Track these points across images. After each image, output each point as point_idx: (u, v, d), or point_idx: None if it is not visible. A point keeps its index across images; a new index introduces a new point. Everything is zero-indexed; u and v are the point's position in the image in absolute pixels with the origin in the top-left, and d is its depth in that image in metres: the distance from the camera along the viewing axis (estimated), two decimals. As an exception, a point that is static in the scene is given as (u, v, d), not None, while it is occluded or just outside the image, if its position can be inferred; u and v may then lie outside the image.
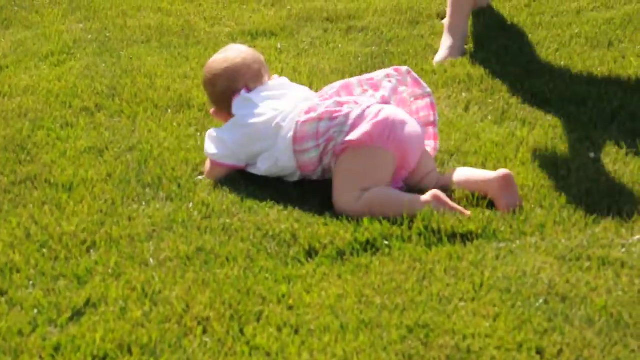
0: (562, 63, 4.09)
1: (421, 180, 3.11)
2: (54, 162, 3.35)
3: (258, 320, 2.48)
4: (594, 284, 2.56)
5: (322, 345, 2.37)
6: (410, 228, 2.86)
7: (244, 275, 2.68)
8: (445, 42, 4.24)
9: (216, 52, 4.38)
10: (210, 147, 3.22)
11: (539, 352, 2.32)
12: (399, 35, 4.54)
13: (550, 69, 4.05)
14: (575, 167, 3.20)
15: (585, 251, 2.72)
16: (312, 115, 3.07)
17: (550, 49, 4.25)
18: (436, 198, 2.92)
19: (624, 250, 2.72)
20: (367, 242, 2.82)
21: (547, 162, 3.25)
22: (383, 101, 3.11)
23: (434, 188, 3.01)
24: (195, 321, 2.48)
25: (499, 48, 4.30)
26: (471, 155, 3.32)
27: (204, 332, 2.44)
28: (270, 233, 2.88)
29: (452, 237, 2.83)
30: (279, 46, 4.47)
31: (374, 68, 4.15)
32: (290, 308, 2.53)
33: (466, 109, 3.73)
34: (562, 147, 3.35)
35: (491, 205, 2.99)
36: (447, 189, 3.06)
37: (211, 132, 3.25)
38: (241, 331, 2.44)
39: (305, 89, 3.35)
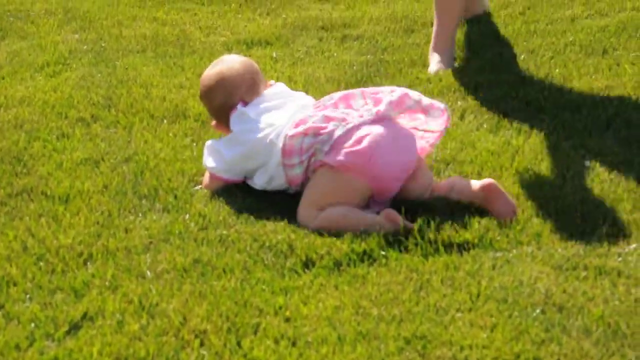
0: (557, 71, 4.10)
1: (416, 195, 3.09)
2: (50, 174, 3.35)
3: (255, 332, 2.48)
4: (590, 294, 2.57)
5: (320, 357, 2.37)
6: (406, 238, 2.86)
7: (241, 287, 2.68)
8: (434, 59, 4.24)
9: (212, 61, 4.41)
10: (208, 160, 3.22)
11: (537, 362, 2.33)
12: (394, 44, 4.55)
13: (545, 77, 4.05)
14: (571, 176, 3.20)
15: (581, 260, 2.72)
16: (299, 129, 3.03)
17: (545, 56, 4.26)
18: (387, 217, 2.90)
19: (620, 259, 2.73)
20: (364, 252, 2.82)
21: (543, 170, 3.26)
22: (377, 117, 3.04)
23: (428, 198, 3.01)
24: (192, 334, 2.48)
25: (493, 56, 4.31)
26: (467, 164, 3.33)
27: (201, 345, 2.44)
28: (267, 244, 2.88)
29: (449, 246, 2.83)
30: (274, 55, 4.48)
31: (369, 76, 4.16)
32: (287, 320, 2.53)
33: (461, 117, 3.73)
34: (557, 155, 3.36)
35: (487, 214, 2.99)
36: (441, 198, 3.06)
37: (210, 144, 3.25)
38: (238, 344, 2.44)
39: (303, 95, 3.32)
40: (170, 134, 3.66)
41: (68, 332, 2.51)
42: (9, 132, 3.70)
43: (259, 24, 4.92)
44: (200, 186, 3.24)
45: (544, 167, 3.28)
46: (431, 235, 2.86)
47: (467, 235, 2.87)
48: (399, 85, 4.02)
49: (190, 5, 5.28)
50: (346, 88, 4.02)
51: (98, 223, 3.04)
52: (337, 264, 2.78)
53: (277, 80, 4.09)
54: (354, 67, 4.27)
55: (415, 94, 3.08)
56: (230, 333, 2.47)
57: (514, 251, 2.80)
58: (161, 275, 2.75)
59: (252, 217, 3.04)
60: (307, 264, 2.79)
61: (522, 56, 4.28)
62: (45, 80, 4.23)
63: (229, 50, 4.54)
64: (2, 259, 2.84)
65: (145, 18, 5.07)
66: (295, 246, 2.86)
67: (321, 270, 2.75)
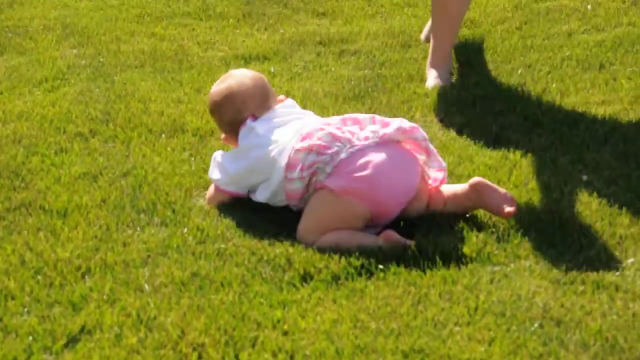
0: (554, 85, 4.12)
1: (415, 213, 3.07)
2: (49, 188, 3.35)
3: (253, 345, 2.48)
4: (588, 308, 2.57)
5: (318, 371, 2.37)
6: (404, 252, 2.86)
7: (239, 300, 2.68)
8: (431, 74, 4.25)
9: (210, 76, 4.44)
10: (214, 173, 3.22)
11: (535, 376, 2.33)
12: (392, 59, 4.56)
13: (542, 92, 4.07)
14: (568, 190, 3.21)
15: (579, 275, 2.73)
16: (305, 144, 3.01)
17: (542, 71, 4.28)
18: (387, 239, 2.91)
19: (618, 273, 2.73)
20: (362, 266, 2.82)
21: (540, 184, 3.26)
22: (382, 141, 3.02)
23: (424, 213, 3.03)
24: (190, 347, 2.48)
25: (490, 71, 4.32)
26: (465, 178, 3.33)
27: (200, 358, 2.44)
28: (265, 258, 2.88)
29: (447, 260, 2.83)
30: (272, 70, 4.49)
31: (367, 91, 4.17)
32: (285, 333, 2.53)
33: (459, 131, 3.74)
34: (555, 170, 3.36)
35: (485, 228, 2.99)
36: (439, 211, 3.07)
37: (216, 157, 3.25)
38: (236, 357, 2.44)
39: (312, 114, 3.29)
40: (169, 149, 3.66)
41: (66, 345, 2.51)
42: (7, 147, 3.70)
43: (256, 39, 4.94)
44: (205, 199, 3.23)
45: (542, 181, 3.28)
46: (429, 249, 2.86)
47: (465, 249, 2.87)
48: (396, 100, 4.05)
49: (189, 20, 5.29)
50: (344, 103, 4.03)
51: (96, 237, 3.04)
52: (335, 278, 2.78)
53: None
54: (352, 82, 4.28)
55: (425, 134, 3.08)
56: (228, 346, 2.48)
57: (512, 265, 2.80)
58: (159, 288, 2.75)
59: (250, 231, 3.04)
60: (305, 278, 2.79)
61: (519, 71, 4.29)
62: (44, 95, 4.24)
63: (227, 65, 4.55)
64: (0, 272, 2.84)
65: (143, 33, 5.09)
66: (293, 260, 2.86)
67: (319, 284, 2.76)
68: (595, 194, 3.17)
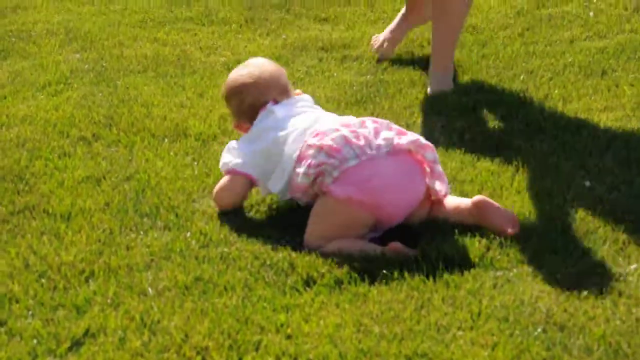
0: (556, 92, 4.12)
1: (417, 220, 3.08)
2: (52, 192, 3.36)
3: (257, 349, 2.49)
4: (591, 313, 2.57)
5: (322, 375, 2.38)
6: (407, 257, 2.87)
7: (242, 304, 2.68)
8: (433, 79, 4.26)
9: (212, 81, 4.44)
10: (229, 158, 3.20)
11: (538, 380, 2.34)
12: (394, 64, 4.57)
13: (545, 98, 4.07)
14: (571, 196, 3.21)
15: (582, 280, 2.73)
16: (316, 141, 3.01)
17: (544, 77, 4.28)
18: (392, 250, 2.91)
19: (621, 279, 2.74)
20: (365, 270, 2.83)
21: (543, 190, 3.27)
22: (394, 151, 3.01)
23: (425, 219, 3.04)
24: (194, 351, 2.48)
25: (492, 77, 4.33)
26: (467, 183, 3.34)
27: (203, 361, 2.45)
28: (268, 262, 2.89)
29: (450, 266, 2.84)
30: (274, 75, 4.49)
31: (369, 97, 4.17)
32: (288, 337, 2.53)
33: (461, 137, 3.75)
34: (558, 176, 3.37)
35: (488, 233, 2.99)
36: (438, 218, 3.07)
37: (231, 144, 3.24)
38: (240, 361, 2.45)
39: (328, 113, 3.29)
40: (171, 153, 3.67)
41: (70, 349, 2.51)
42: (11, 151, 3.71)
43: (259, 45, 4.94)
44: (211, 196, 3.23)
45: (545, 187, 3.29)
46: (432, 254, 2.87)
47: (468, 255, 2.88)
48: (398, 106, 4.05)
49: (191, 25, 5.30)
50: (346, 108, 4.04)
51: (99, 241, 3.04)
52: (339, 282, 2.79)
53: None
54: (354, 87, 4.29)
55: (436, 156, 3.06)
56: (231, 350, 2.48)
57: (515, 270, 2.81)
58: (163, 292, 2.75)
59: (253, 235, 3.05)
60: (308, 282, 2.80)
61: (522, 77, 4.30)
62: (47, 100, 4.25)
63: (229, 70, 4.51)
64: (5, 276, 2.85)
65: (146, 38, 5.09)
66: (297, 264, 2.87)
67: (322, 289, 2.76)
68: (597, 199, 3.17)
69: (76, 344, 2.53)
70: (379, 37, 4.69)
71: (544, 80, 4.25)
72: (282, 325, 2.58)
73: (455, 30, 4.32)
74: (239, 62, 4.67)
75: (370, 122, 3.07)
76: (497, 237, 2.95)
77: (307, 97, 3.35)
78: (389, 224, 3.03)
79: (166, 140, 3.80)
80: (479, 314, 2.59)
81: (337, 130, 3.03)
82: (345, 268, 2.83)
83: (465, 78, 4.34)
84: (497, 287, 2.72)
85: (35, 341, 2.54)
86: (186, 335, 2.54)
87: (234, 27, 5.25)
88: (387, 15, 5.32)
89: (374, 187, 2.96)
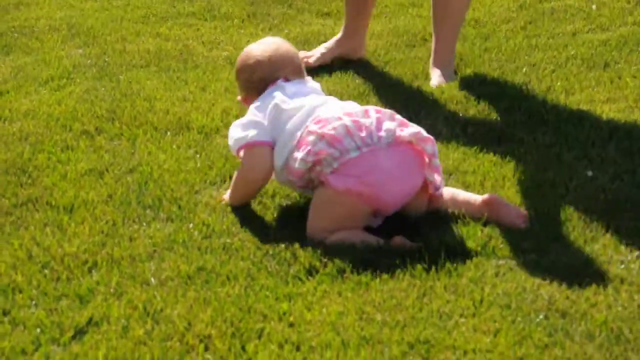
0: (559, 84, 4.12)
1: (415, 210, 3.08)
2: (55, 185, 3.36)
3: (259, 337, 2.49)
4: (593, 300, 2.58)
5: (324, 362, 2.38)
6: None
7: (245, 293, 2.69)
8: (435, 72, 4.27)
9: (215, 75, 4.45)
10: (238, 133, 3.12)
11: (540, 366, 2.34)
12: (396, 58, 4.57)
13: (547, 90, 4.07)
14: (573, 186, 3.22)
15: (584, 268, 2.73)
16: (317, 129, 2.99)
17: (547, 70, 4.29)
18: (396, 244, 2.91)
19: (623, 266, 2.74)
20: (367, 260, 2.83)
21: (545, 181, 3.27)
22: (395, 142, 2.98)
23: (427, 209, 3.05)
24: (197, 339, 2.49)
25: (495, 69, 4.33)
26: (470, 174, 3.34)
27: (206, 349, 2.45)
28: (271, 252, 2.89)
29: (452, 254, 2.84)
30: (277, 69, 4.49)
31: (372, 90, 4.18)
32: (291, 325, 2.54)
33: (464, 128, 3.75)
34: (560, 166, 3.37)
35: (490, 222, 2.99)
36: (438, 210, 3.07)
37: (240, 121, 3.16)
38: (243, 348, 2.45)
39: (334, 99, 3.25)
40: (174, 146, 3.67)
41: (73, 337, 2.52)
42: (14, 145, 3.72)
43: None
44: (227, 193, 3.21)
45: (547, 177, 3.29)
46: (434, 243, 2.87)
47: (470, 243, 2.88)
48: (400, 99, 4.06)
49: (193, 20, 5.31)
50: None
51: (102, 232, 3.05)
52: (341, 272, 2.79)
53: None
54: (356, 81, 4.29)
55: (436, 150, 3.04)
56: (234, 338, 2.49)
57: (517, 259, 2.81)
58: (165, 282, 2.76)
59: (255, 226, 3.05)
60: (311, 272, 2.80)
61: (524, 69, 4.30)
62: (50, 94, 4.25)
63: (232, 64, 4.55)
64: (8, 267, 2.86)
65: (148, 33, 5.10)
66: (299, 254, 2.87)
67: (325, 278, 2.77)
68: (599, 189, 3.18)
69: (79, 333, 2.54)
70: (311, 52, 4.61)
71: (547, 73, 4.25)
72: (284, 313, 2.59)
73: (457, 23, 4.32)
74: (241, 56, 4.70)
75: (373, 112, 3.05)
76: (499, 227, 2.95)
77: (317, 85, 3.35)
78: (385, 213, 3.03)
79: (169, 133, 3.80)
80: (481, 301, 2.60)
81: (340, 118, 3.01)
82: (348, 258, 2.84)
83: (467, 71, 4.35)
84: (499, 275, 2.72)
85: (38, 330, 2.55)
86: (189, 324, 2.55)
87: (236, 22, 5.26)
88: (389, 9, 5.34)
89: (374, 180, 2.96)
